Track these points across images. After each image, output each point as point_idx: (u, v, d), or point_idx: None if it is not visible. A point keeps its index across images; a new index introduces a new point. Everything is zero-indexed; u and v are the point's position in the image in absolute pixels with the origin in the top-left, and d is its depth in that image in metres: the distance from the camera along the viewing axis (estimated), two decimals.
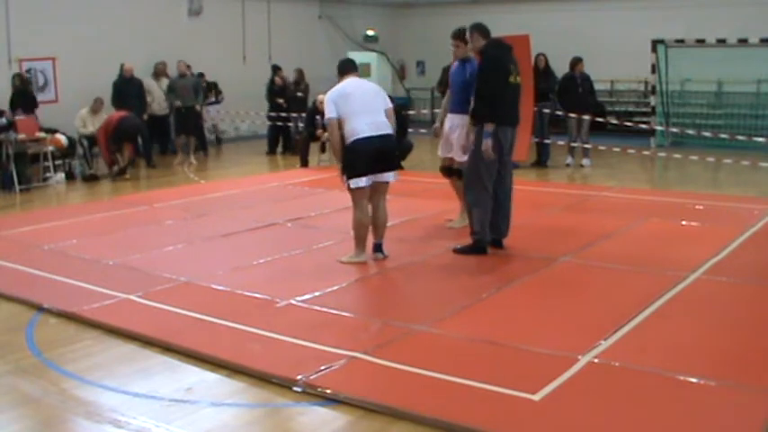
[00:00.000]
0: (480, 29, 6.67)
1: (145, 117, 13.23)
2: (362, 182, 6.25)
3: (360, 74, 6.68)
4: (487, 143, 6.39)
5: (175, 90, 13.39)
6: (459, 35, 7.23)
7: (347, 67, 6.58)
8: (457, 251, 6.72)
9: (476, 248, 6.64)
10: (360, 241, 6.47)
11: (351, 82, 6.43)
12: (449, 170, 7.65)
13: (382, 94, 6.50)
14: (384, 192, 6.52)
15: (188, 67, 13.84)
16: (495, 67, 6.44)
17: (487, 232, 6.63)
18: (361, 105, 6.24)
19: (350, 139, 6.22)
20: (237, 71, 16.23)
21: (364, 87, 6.46)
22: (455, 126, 7.33)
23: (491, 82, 6.40)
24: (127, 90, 13.04)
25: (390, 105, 6.47)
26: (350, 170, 6.26)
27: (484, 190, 6.56)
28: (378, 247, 6.61)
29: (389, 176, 6.39)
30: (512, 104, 6.62)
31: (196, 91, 13.58)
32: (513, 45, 6.81)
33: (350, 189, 6.34)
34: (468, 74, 7.06)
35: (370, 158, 6.20)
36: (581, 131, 12.24)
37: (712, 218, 8.14)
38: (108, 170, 11.85)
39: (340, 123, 6.25)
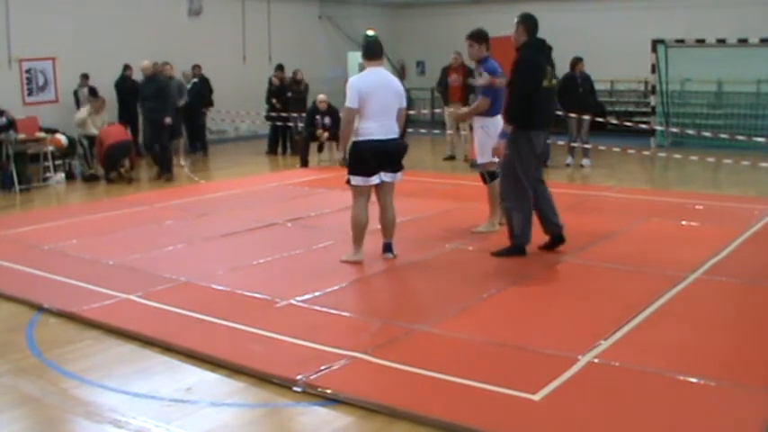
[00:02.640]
0: (527, 24, 6.40)
1: (167, 121, 11.50)
2: (362, 180, 6.26)
3: (371, 60, 6.33)
4: (501, 143, 6.35)
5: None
6: (471, 35, 7.20)
7: (373, 52, 6.34)
8: (495, 254, 6.56)
9: (515, 250, 6.52)
10: (356, 239, 6.45)
11: (375, 75, 6.27)
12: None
13: (400, 95, 6.36)
14: (390, 192, 6.50)
15: (194, 68, 13.72)
16: (529, 69, 6.28)
17: (528, 235, 6.50)
18: (380, 107, 6.18)
19: (360, 137, 6.22)
20: (237, 71, 16.24)
21: (386, 86, 6.27)
22: (476, 128, 7.47)
23: (523, 84, 6.26)
24: (146, 91, 11.83)
25: (404, 105, 6.42)
26: (353, 167, 6.28)
27: (523, 193, 6.44)
28: (387, 247, 6.62)
29: (394, 177, 6.39)
30: (545, 107, 6.50)
31: (180, 94, 13.43)
32: (552, 46, 6.62)
33: (350, 185, 6.35)
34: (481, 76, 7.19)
35: (374, 160, 6.21)
36: (581, 131, 12.24)
37: (712, 218, 8.13)
38: (106, 175, 11.75)
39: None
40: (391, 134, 6.26)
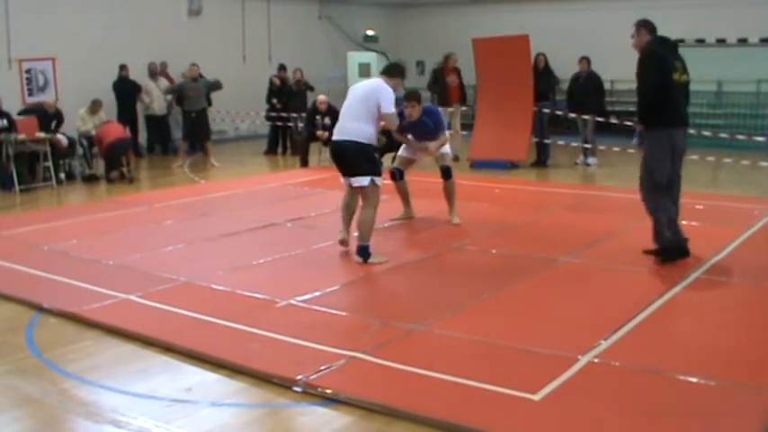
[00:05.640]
0: (647, 25, 6.41)
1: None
2: (341, 177, 6.68)
3: (380, 74, 6.85)
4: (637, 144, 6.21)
5: (186, 95, 13.08)
6: (413, 97, 7.48)
7: (384, 70, 6.88)
8: (662, 261, 6.27)
9: (678, 250, 6.28)
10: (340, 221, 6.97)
11: (361, 83, 6.83)
12: (400, 173, 7.93)
13: (372, 100, 6.37)
14: (358, 194, 6.62)
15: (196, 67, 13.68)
16: (653, 62, 6.18)
17: (680, 233, 6.32)
18: (345, 109, 6.59)
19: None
20: (237, 71, 16.22)
21: (359, 91, 6.59)
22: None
23: (648, 77, 6.14)
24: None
25: (387, 111, 6.38)
26: None
27: (662, 193, 6.29)
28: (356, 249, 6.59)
29: (353, 181, 6.49)
30: (679, 103, 6.34)
31: (207, 94, 13.44)
32: (676, 43, 6.52)
33: None
34: (432, 123, 7.66)
35: (334, 159, 6.71)
36: (585, 131, 12.28)
37: (712, 218, 8.13)
38: (106, 174, 11.72)
39: None
40: (344, 136, 6.45)
